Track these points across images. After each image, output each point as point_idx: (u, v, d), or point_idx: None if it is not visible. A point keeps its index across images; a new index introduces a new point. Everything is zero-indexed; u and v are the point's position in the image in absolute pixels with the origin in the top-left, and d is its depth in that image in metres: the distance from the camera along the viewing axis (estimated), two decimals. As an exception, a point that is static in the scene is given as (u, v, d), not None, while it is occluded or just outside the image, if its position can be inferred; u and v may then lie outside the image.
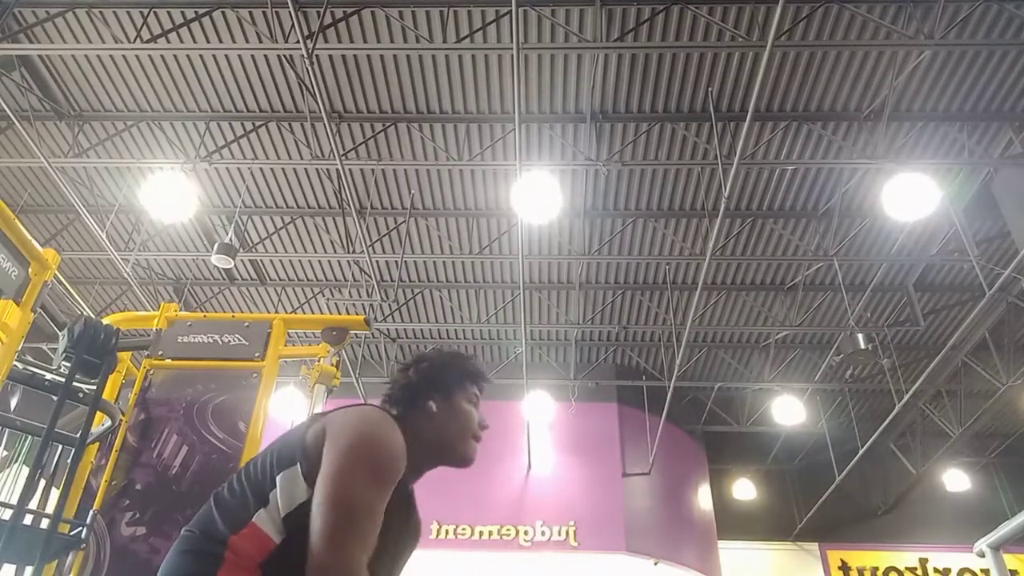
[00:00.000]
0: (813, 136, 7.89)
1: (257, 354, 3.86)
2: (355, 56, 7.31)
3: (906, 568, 12.11)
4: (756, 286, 9.95)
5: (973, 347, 10.20)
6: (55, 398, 3.51)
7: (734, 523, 12.38)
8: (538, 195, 7.32)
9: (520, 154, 6.82)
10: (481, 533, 10.05)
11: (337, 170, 8.11)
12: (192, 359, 3.87)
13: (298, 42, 6.08)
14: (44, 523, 3.47)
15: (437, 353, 1.83)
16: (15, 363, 3.58)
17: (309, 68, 6.20)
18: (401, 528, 1.65)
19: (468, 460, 1.76)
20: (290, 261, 9.95)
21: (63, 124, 8.02)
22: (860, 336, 9.19)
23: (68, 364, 3.57)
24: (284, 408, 9.62)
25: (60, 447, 3.96)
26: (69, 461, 3.69)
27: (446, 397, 1.75)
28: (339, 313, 10.32)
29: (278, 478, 1.49)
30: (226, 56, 7.37)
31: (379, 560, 1.51)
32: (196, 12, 6.91)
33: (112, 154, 8.31)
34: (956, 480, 12.48)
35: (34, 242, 3.58)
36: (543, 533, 10.07)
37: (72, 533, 3.52)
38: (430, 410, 1.72)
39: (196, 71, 7.50)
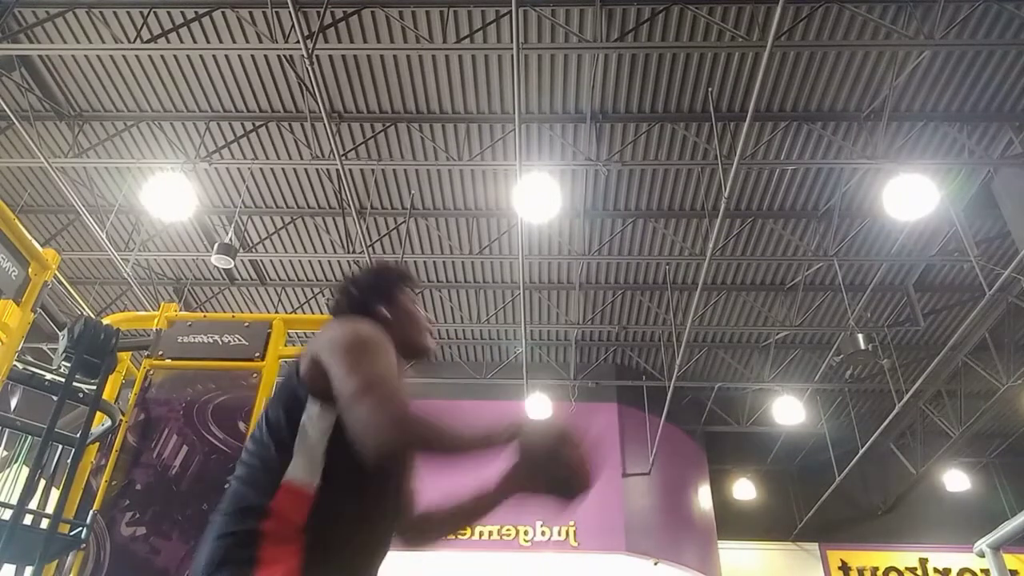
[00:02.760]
0: (813, 136, 7.89)
1: (257, 354, 3.86)
2: (355, 56, 7.31)
3: (906, 568, 12.11)
4: (756, 286, 9.95)
5: (973, 347, 10.20)
6: (55, 398, 3.51)
7: (734, 523, 12.37)
8: (538, 195, 7.32)
9: (520, 154, 6.83)
10: (481, 533, 10.05)
11: (337, 170, 8.11)
12: (192, 359, 3.87)
13: (298, 42, 6.08)
14: (44, 523, 3.47)
15: (367, 269, 1.96)
16: (15, 363, 3.58)
17: (309, 68, 6.21)
18: None
19: (428, 349, 1.91)
20: (290, 261, 9.95)
21: (63, 124, 8.02)
22: (860, 336, 9.19)
23: (68, 364, 3.57)
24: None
25: (60, 447, 3.96)
26: (69, 461, 3.69)
27: (392, 302, 1.85)
28: (339, 313, 10.31)
29: (303, 416, 1.52)
30: (226, 56, 7.37)
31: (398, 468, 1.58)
32: (196, 12, 6.91)
33: (112, 154, 8.31)
34: (956, 480, 12.48)
35: (34, 242, 3.58)
36: (543, 533, 10.07)
37: (72, 533, 3.52)
38: (384, 316, 1.81)
39: (196, 71, 7.50)
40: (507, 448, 1.54)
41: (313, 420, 1.51)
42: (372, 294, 1.86)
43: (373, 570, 1.55)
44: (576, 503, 1.62)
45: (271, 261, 9.96)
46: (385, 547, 1.60)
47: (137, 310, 9.48)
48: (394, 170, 8.46)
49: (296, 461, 1.48)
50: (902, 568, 12.12)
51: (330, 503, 1.45)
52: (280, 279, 10.30)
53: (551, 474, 1.58)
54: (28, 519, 3.43)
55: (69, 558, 3.52)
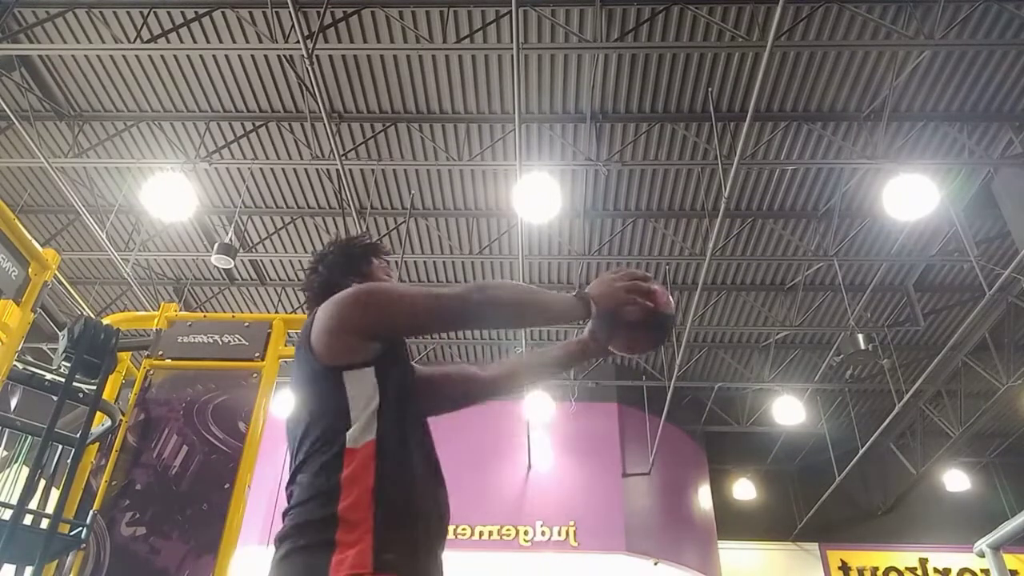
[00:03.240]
0: (813, 136, 7.89)
1: (257, 354, 3.86)
2: (355, 56, 7.31)
3: (906, 568, 12.11)
4: (756, 286, 9.95)
5: (973, 347, 10.20)
6: (55, 398, 3.51)
7: (734, 523, 12.37)
8: (538, 195, 7.32)
9: (520, 154, 6.83)
10: (481, 533, 10.05)
11: (337, 170, 8.11)
12: (192, 359, 3.87)
13: (298, 42, 6.08)
14: (44, 523, 3.47)
15: (333, 244, 1.91)
16: (15, 363, 3.58)
17: (309, 68, 6.21)
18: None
19: None
20: (290, 261, 9.95)
21: (63, 124, 8.02)
22: (860, 336, 9.19)
23: (68, 364, 3.57)
24: (284, 408, 9.62)
25: (60, 447, 3.96)
26: (69, 461, 3.69)
27: (365, 275, 1.83)
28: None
29: (347, 390, 1.51)
30: (226, 56, 7.37)
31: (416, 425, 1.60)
32: (196, 12, 6.91)
33: (112, 154, 8.31)
34: (956, 480, 12.48)
35: (34, 242, 3.58)
36: (543, 533, 10.07)
37: (72, 533, 3.52)
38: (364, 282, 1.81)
39: (196, 71, 7.50)
40: (578, 314, 1.59)
41: (356, 386, 1.51)
42: (342, 271, 1.83)
43: (439, 548, 1.52)
44: (661, 340, 1.68)
45: (271, 261, 9.96)
46: (446, 518, 1.58)
47: (137, 310, 9.48)
48: (394, 170, 8.46)
49: (352, 430, 1.47)
50: (902, 568, 12.12)
51: (392, 459, 1.45)
52: (280, 279, 10.30)
53: (631, 323, 1.61)
54: (28, 519, 3.43)
55: (69, 558, 3.52)
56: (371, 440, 1.46)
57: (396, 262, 9.39)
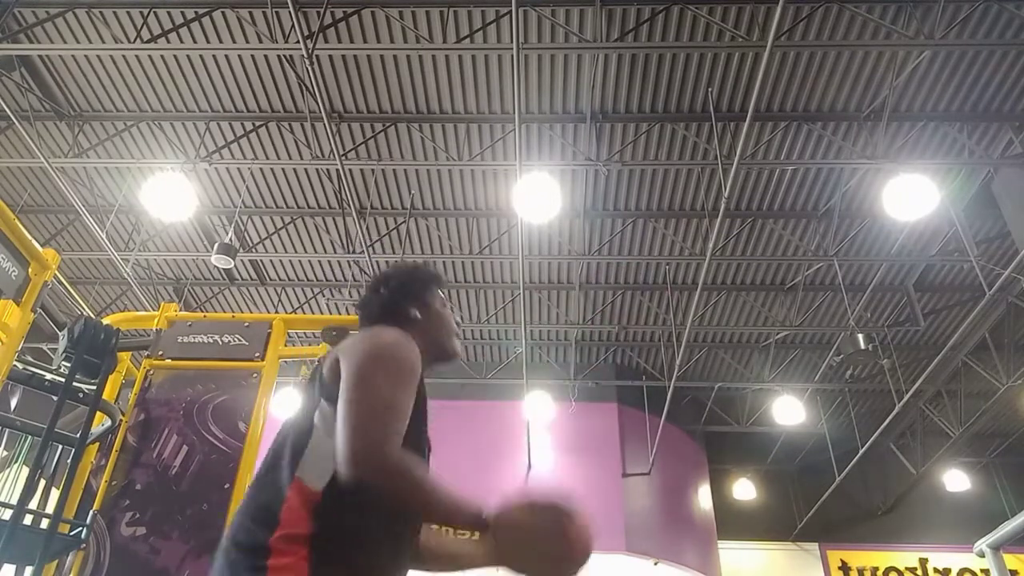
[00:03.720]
0: (813, 136, 7.89)
1: (257, 354, 3.86)
2: (355, 56, 7.31)
3: (906, 568, 12.11)
4: (756, 286, 9.95)
5: (973, 347, 10.20)
6: (55, 398, 3.51)
7: (734, 523, 12.37)
8: (538, 195, 7.32)
9: (520, 154, 6.82)
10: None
11: (337, 170, 8.11)
12: (192, 359, 3.87)
13: (298, 42, 6.08)
14: (44, 523, 3.47)
15: (399, 267, 1.95)
16: (15, 363, 3.58)
17: (309, 68, 6.20)
18: (424, 430, 1.69)
19: (456, 354, 1.89)
20: (290, 261, 9.95)
21: (63, 124, 8.02)
22: (860, 336, 9.19)
23: (68, 364, 3.57)
24: (284, 408, 9.63)
25: (60, 447, 3.96)
26: (69, 461, 3.69)
27: (423, 304, 1.84)
28: (339, 313, 10.33)
29: (315, 416, 1.51)
30: (226, 56, 7.37)
31: (420, 447, 1.57)
32: (196, 12, 6.91)
33: (112, 154, 8.31)
34: (956, 480, 12.48)
35: (34, 242, 3.58)
36: (543, 533, 10.05)
37: (72, 533, 3.52)
38: (415, 318, 1.81)
39: (196, 71, 7.50)
40: (484, 529, 1.47)
41: (325, 421, 1.50)
42: (402, 295, 1.84)
43: None
44: None
45: (271, 261, 9.96)
46: (400, 566, 1.55)
47: (137, 310, 9.48)
48: (394, 170, 8.46)
49: (304, 462, 1.47)
50: (902, 568, 12.12)
51: (337, 507, 1.42)
52: (280, 279, 10.30)
53: (533, 558, 1.46)
54: (28, 519, 3.43)
55: (69, 558, 3.52)
56: (316, 490, 1.43)
57: (396, 263, 9.39)
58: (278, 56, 7.29)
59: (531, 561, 1.45)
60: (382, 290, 1.86)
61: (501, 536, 1.45)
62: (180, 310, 4.42)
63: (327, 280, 10.26)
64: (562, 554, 1.45)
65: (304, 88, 7.60)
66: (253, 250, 9.43)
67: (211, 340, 3.92)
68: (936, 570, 12.03)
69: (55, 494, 3.64)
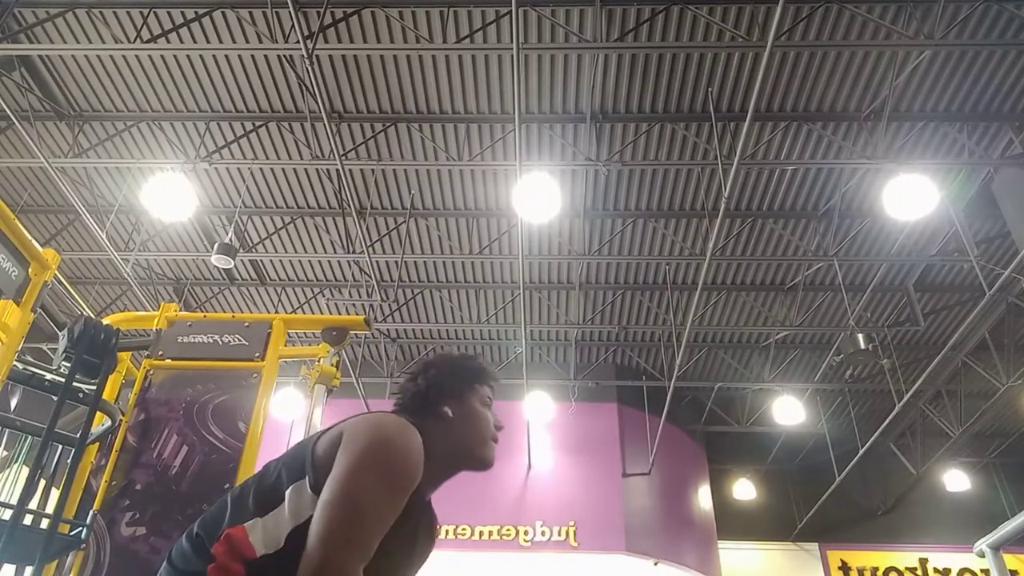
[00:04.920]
0: (813, 136, 7.89)
1: (257, 354, 3.86)
2: (355, 56, 7.31)
3: (906, 568, 12.12)
4: (756, 286, 9.95)
5: (973, 347, 10.20)
6: (55, 398, 3.51)
7: (734, 523, 12.38)
8: (538, 195, 7.32)
9: (520, 154, 6.82)
10: (481, 533, 10.05)
11: (337, 170, 8.11)
12: (192, 359, 3.86)
13: (298, 42, 6.08)
14: (44, 523, 3.47)
15: (445, 357, 1.78)
16: (15, 363, 3.58)
17: (309, 68, 6.20)
18: (420, 535, 1.64)
19: (488, 463, 1.71)
20: (290, 261, 9.95)
21: (63, 124, 8.02)
22: (860, 336, 9.19)
23: (68, 364, 3.56)
24: (284, 408, 9.63)
25: (60, 447, 3.96)
26: (69, 461, 3.68)
27: (460, 401, 1.69)
28: (339, 313, 10.33)
29: (287, 492, 1.43)
30: (226, 56, 7.37)
31: (389, 565, 1.49)
32: (196, 12, 6.91)
33: (112, 154, 8.31)
34: (956, 480, 12.49)
35: (34, 242, 3.58)
36: (543, 533, 10.07)
37: (72, 533, 3.52)
38: (446, 415, 1.67)
39: (196, 71, 7.50)
40: None
41: (297, 500, 1.42)
42: (440, 390, 1.70)
43: None
44: None
45: (271, 261, 9.96)
46: None
47: (137, 310, 9.48)
48: (394, 170, 8.46)
49: (257, 522, 1.41)
50: (902, 568, 12.12)
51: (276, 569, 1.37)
52: (280, 279, 10.30)
53: None
54: (28, 519, 3.43)
55: (69, 558, 3.52)
56: (259, 544, 1.39)
57: (396, 262, 9.40)
58: (278, 56, 7.29)
59: None
60: (419, 380, 1.72)
61: None
62: (180, 310, 4.42)
63: (327, 280, 10.26)
64: None
65: (304, 88, 7.60)
66: (253, 250, 9.43)
67: (211, 340, 3.91)
68: (936, 570, 12.03)
69: (55, 494, 3.64)
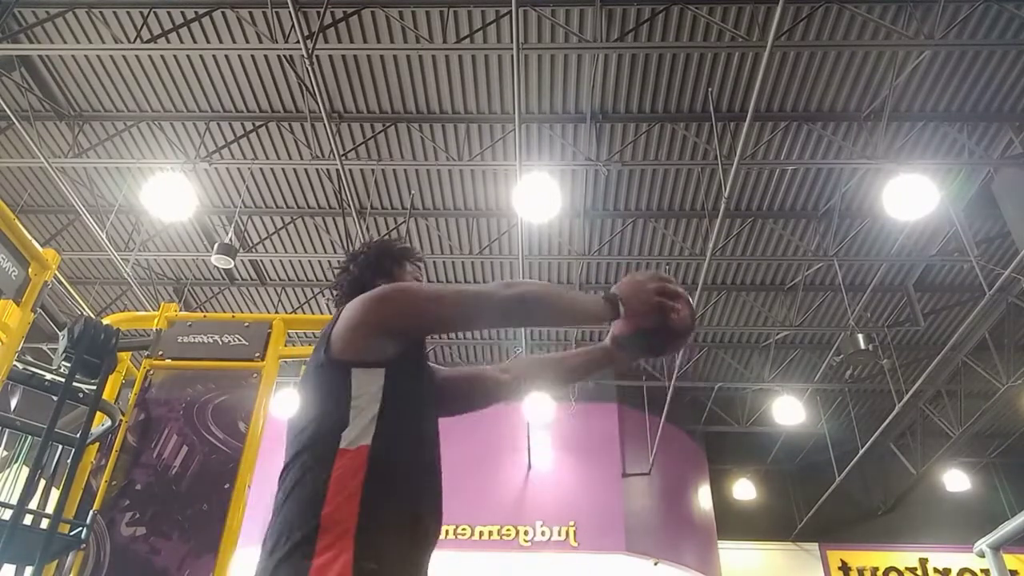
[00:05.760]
0: (813, 136, 7.89)
1: (257, 354, 3.86)
2: (355, 56, 7.31)
3: (906, 568, 12.11)
4: (756, 286, 9.95)
5: (973, 347, 10.20)
6: (55, 398, 3.51)
7: (734, 523, 12.37)
8: (538, 195, 7.32)
9: (520, 154, 6.83)
10: (481, 533, 10.05)
11: (337, 170, 8.11)
12: (192, 359, 3.86)
13: (298, 42, 6.08)
14: (44, 523, 3.47)
15: (367, 244, 1.94)
16: (15, 363, 3.58)
17: (309, 68, 6.21)
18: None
19: None
20: (290, 261, 9.95)
21: (63, 124, 8.02)
22: (860, 336, 9.19)
23: (68, 364, 3.56)
24: (284, 408, 9.63)
25: (60, 447, 3.96)
26: (69, 461, 3.68)
27: (394, 278, 1.85)
28: (339, 313, 10.30)
29: (352, 390, 1.50)
30: (226, 56, 7.37)
31: (426, 420, 1.60)
32: (196, 12, 6.91)
33: (112, 154, 8.31)
34: (956, 480, 12.49)
35: (34, 242, 3.58)
36: (543, 533, 10.07)
37: (72, 533, 3.52)
38: None
39: (196, 71, 7.50)
40: (606, 315, 1.56)
41: (362, 385, 1.50)
42: (372, 271, 1.85)
43: (426, 558, 1.51)
44: (684, 345, 1.64)
45: (271, 261, 9.96)
46: (435, 531, 1.55)
47: (137, 310, 9.48)
48: (394, 170, 8.46)
49: (349, 430, 1.46)
50: (902, 568, 12.12)
51: (385, 466, 1.43)
52: (280, 279, 10.30)
53: (658, 329, 1.57)
54: (28, 519, 3.43)
55: (69, 558, 3.52)
56: (366, 444, 1.44)
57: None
58: (278, 56, 7.29)
59: (654, 314, 1.54)
60: (351, 267, 1.87)
61: (631, 307, 1.54)
62: (180, 310, 4.42)
63: (327, 280, 10.25)
64: (679, 308, 1.55)
65: (304, 88, 7.60)
66: (253, 250, 9.43)
67: (211, 340, 3.91)
68: (936, 570, 12.03)
69: (55, 494, 3.64)
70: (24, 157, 8.05)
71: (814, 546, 12.39)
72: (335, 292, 1.90)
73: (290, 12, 5.97)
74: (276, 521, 1.44)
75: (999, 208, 7.64)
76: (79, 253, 9.64)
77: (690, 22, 6.86)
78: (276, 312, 10.42)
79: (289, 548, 1.35)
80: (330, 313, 9.17)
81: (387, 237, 2.12)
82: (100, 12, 6.97)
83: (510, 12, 5.85)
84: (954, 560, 11.95)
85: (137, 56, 7.22)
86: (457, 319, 1.66)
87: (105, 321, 3.88)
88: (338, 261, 9.70)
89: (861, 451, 10.62)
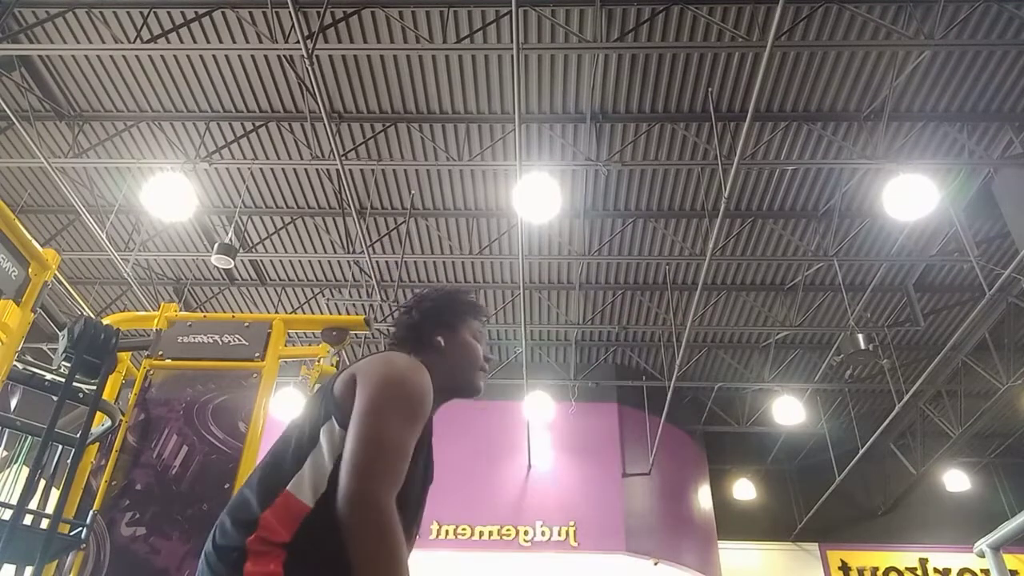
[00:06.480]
0: (813, 136, 7.89)
1: (257, 354, 3.86)
2: (355, 56, 7.31)
3: (906, 568, 12.11)
4: (756, 286, 9.95)
5: (973, 347, 10.20)
6: (55, 398, 3.50)
7: (734, 523, 12.37)
8: (538, 195, 7.32)
9: (520, 154, 6.82)
10: (481, 533, 10.05)
11: (337, 170, 8.11)
12: (192, 359, 3.86)
13: (298, 42, 6.07)
14: (44, 523, 3.47)
15: (436, 291, 1.89)
16: (15, 363, 3.57)
17: (309, 68, 6.20)
18: (427, 461, 1.71)
19: (477, 390, 1.82)
20: (290, 261, 9.95)
21: (63, 124, 8.02)
22: (860, 336, 9.18)
23: (68, 364, 3.56)
24: (284, 408, 9.62)
25: (60, 447, 3.96)
26: (69, 461, 3.68)
27: (452, 332, 1.79)
28: (339, 313, 10.33)
29: (321, 433, 1.51)
30: (226, 56, 7.37)
31: (410, 492, 1.57)
32: (196, 12, 6.91)
33: (112, 154, 8.31)
34: (956, 480, 12.48)
35: (34, 242, 3.58)
36: (543, 533, 10.07)
37: (72, 533, 3.52)
38: (439, 346, 1.77)
39: (196, 71, 7.50)
40: None
41: (331, 440, 1.50)
42: (432, 320, 1.80)
43: None
44: None
45: (271, 261, 9.96)
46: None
47: (137, 310, 9.49)
48: (394, 170, 8.46)
49: (301, 475, 1.48)
50: (902, 568, 12.12)
51: (321, 526, 1.42)
52: (280, 279, 10.30)
53: None
54: (28, 519, 3.43)
55: (69, 558, 3.52)
56: (306, 498, 1.45)
57: (396, 262, 9.40)
58: (278, 56, 7.29)
59: None
60: (413, 312, 1.83)
61: None
62: (180, 310, 4.42)
63: (327, 280, 10.26)
64: None
65: (304, 88, 7.60)
66: (253, 250, 9.43)
67: (211, 340, 3.91)
68: (936, 570, 12.03)
69: (55, 494, 3.64)
70: (24, 157, 8.05)
71: (814, 546, 12.39)
72: (392, 331, 1.86)
73: (290, 12, 5.96)
74: (219, 524, 1.50)
75: (999, 208, 7.64)
76: (79, 253, 9.63)
77: (690, 22, 6.86)
78: (276, 312, 10.42)
79: (221, 565, 1.41)
80: (330, 313, 9.08)
81: (460, 288, 2.06)
82: (100, 12, 6.97)
83: (510, 12, 5.84)
84: (954, 560, 11.95)
85: (137, 56, 7.22)
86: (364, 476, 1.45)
87: (105, 321, 3.88)
88: (338, 261, 9.77)
89: (861, 451, 10.62)
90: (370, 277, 9.28)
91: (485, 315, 1.90)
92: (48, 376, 3.94)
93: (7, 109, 6.84)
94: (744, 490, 12.91)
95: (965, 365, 10.48)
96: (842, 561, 12.23)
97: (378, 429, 1.46)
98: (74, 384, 3.62)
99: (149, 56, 7.19)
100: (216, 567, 1.42)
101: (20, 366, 3.84)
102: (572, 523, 10.11)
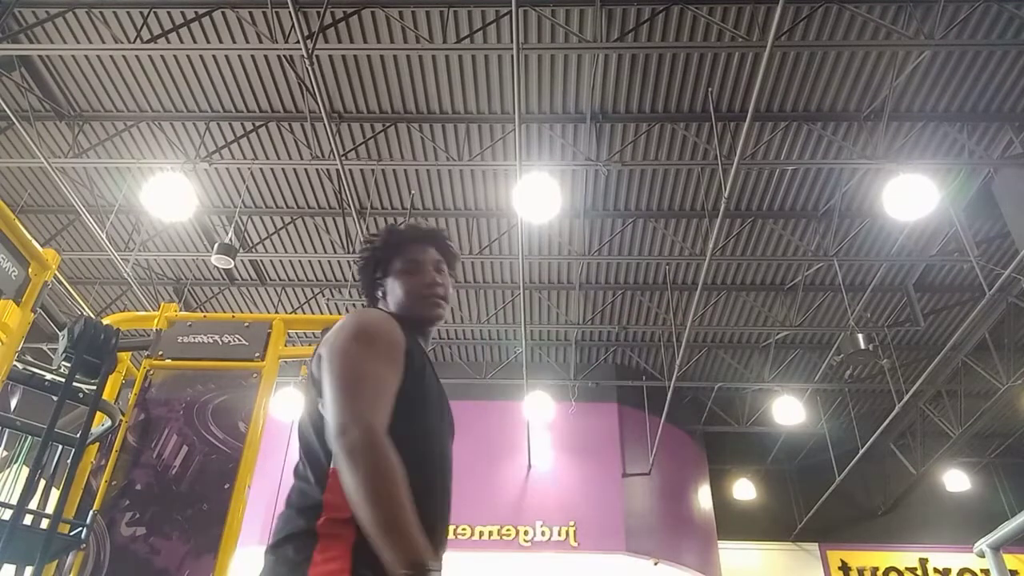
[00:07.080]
0: (813, 136, 7.89)
1: (257, 354, 3.86)
2: (355, 56, 7.31)
3: (906, 568, 12.11)
4: (756, 286, 9.95)
5: (973, 347, 10.20)
6: (55, 398, 3.51)
7: (734, 523, 12.37)
8: (538, 195, 7.32)
9: (520, 154, 6.82)
10: (481, 533, 10.05)
11: (337, 170, 8.11)
12: (192, 359, 3.87)
13: (298, 42, 6.08)
14: (44, 523, 3.47)
15: (379, 231, 1.92)
16: (15, 363, 3.57)
17: (309, 68, 6.20)
18: (440, 389, 1.72)
19: (430, 318, 1.81)
20: (290, 261, 9.95)
21: (63, 124, 8.01)
22: (860, 336, 9.18)
23: (68, 364, 3.56)
24: (284, 408, 9.63)
25: (60, 447, 3.96)
26: (69, 461, 3.68)
27: (386, 272, 1.84)
28: (339, 313, 10.32)
29: (319, 408, 1.54)
30: (226, 56, 7.36)
31: (435, 444, 1.59)
32: (196, 12, 6.90)
33: (112, 154, 8.31)
34: (956, 480, 12.49)
35: (34, 242, 3.58)
36: (543, 533, 10.07)
37: (72, 533, 3.52)
38: (385, 288, 1.83)
39: (196, 71, 7.50)
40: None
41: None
42: (368, 269, 1.87)
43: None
44: None
45: (271, 261, 9.96)
46: (441, 530, 1.53)
47: (137, 310, 9.48)
48: (394, 170, 8.46)
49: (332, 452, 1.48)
50: (902, 568, 12.12)
51: None
52: (280, 279, 10.30)
53: None
54: (28, 519, 3.43)
55: (69, 558, 3.52)
56: None
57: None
58: (278, 56, 7.29)
59: None
60: (359, 260, 1.92)
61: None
62: (180, 310, 4.42)
63: (327, 280, 10.25)
64: None
65: (304, 88, 7.60)
66: (253, 250, 9.43)
67: (211, 340, 3.91)
68: (936, 570, 12.03)
69: (55, 494, 3.64)
70: (24, 157, 8.05)
71: (814, 546, 12.39)
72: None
73: (290, 12, 5.96)
74: (278, 527, 1.47)
75: (999, 208, 7.64)
76: (79, 253, 9.63)
77: (690, 22, 6.86)
78: (276, 312, 10.42)
79: (289, 555, 1.38)
80: (330, 313, 9.10)
81: (389, 228, 1.96)
82: (100, 12, 6.97)
83: (510, 12, 5.84)
84: (954, 560, 11.95)
85: (137, 56, 7.22)
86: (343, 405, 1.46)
87: (105, 321, 3.88)
88: (338, 261, 9.76)
89: (861, 451, 10.62)
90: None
91: (423, 238, 1.88)
92: (48, 376, 3.94)
93: (7, 109, 6.84)
94: (744, 490, 12.91)
95: (965, 365, 10.48)
96: (842, 561, 12.23)
97: (345, 365, 1.49)
98: (74, 384, 3.62)
99: (149, 56, 7.19)
100: (285, 552, 1.39)
101: (20, 366, 3.84)
102: (572, 523, 10.11)
